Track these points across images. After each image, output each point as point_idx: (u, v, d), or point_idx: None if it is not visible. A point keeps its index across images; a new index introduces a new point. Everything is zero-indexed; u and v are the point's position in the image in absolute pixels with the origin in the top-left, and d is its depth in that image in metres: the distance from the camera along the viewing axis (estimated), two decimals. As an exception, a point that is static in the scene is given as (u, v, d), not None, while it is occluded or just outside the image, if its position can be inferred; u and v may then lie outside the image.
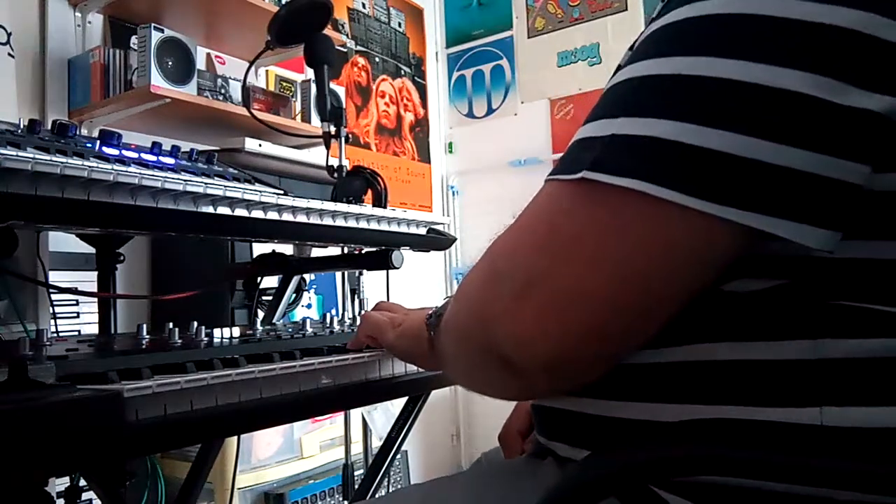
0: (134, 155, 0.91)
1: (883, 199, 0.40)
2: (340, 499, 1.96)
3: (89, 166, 0.66)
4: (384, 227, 0.98)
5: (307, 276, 1.52)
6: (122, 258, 1.06)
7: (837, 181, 0.38)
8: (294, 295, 1.33)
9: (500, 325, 0.45)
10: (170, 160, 0.97)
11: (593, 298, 0.42)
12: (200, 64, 2.02)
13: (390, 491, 1.89)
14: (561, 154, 0.47)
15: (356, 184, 1.14)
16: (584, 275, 0.42)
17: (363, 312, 0.91)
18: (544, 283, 0.43)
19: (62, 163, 0.64)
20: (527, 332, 0.44)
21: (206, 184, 0.75)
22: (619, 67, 0.48)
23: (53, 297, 1.08)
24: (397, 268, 1.07)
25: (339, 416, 1.90)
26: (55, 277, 1.07)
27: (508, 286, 0.45)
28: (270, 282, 1.45)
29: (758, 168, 0.38)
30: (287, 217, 0.84)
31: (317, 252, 1.31)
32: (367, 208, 0.96)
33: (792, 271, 0.42)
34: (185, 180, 0.73)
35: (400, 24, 3.24)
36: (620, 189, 0.41)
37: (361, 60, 2.97)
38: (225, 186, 0.77)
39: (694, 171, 0.39)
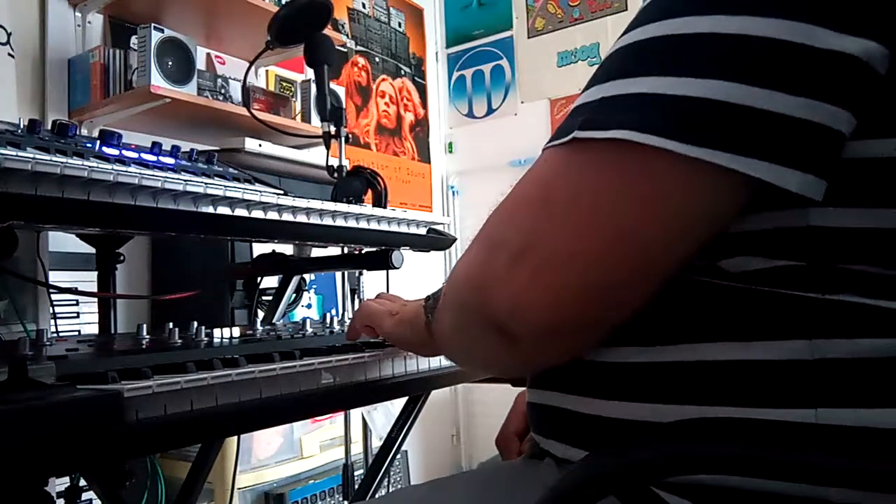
0: (134, 155, 0.91)
1: (877, 166, 0.41)
2: (340, 499, 1.96)
3: (89, 166, 0.66)
4: (384, 227, 0.98)
5: (307, 276, 1.52)
6: (122, 258, 1.06)
7: (817, 125, 0.39)
8: (294, 295, 1.33)
9: (496, 291, 0.45)
10: (170, 160, 0.97)
11: (588, 257, 0.43)
12: (200, 64, 2.02)
13: (390, 491, 1.89)
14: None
15: (356, 184, 1.14)
16: (578, 234, 0.43)
17: (360, 302, 0.91)
18: (539, 246, 0.44)
19: (62, 163, 0.64)
20: (522, 296, 0.44)
21: (206, 184, 0.75)
22: None
23: (53, 297, 1.08)
24: (397, 268, 1.07)
25: (339, 416, 1.90)
26: (55, 277, 1.06)
27: (504, 252, 0.45)
28: (270, 282, 1.45)
29: (739, 112, 0.39)
30: (287, 217, 0.84)
31: (317, 252, 1.31)
32: (367, 208, 0.96)
33: (793, 248, 0.42)
34: (185, 180, 0.73)
35: (400, 24, 3.24)
36: (609, 142, 0.42)
37: (361, 60, 2.97)
38: (225, 186, 0.77)
39: (678, 118, 0.40)
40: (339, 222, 0.91)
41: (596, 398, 0.49)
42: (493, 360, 0.55)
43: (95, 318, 1.09)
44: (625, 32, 0.46)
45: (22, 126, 0.85)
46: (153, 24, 1.67)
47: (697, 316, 0.45)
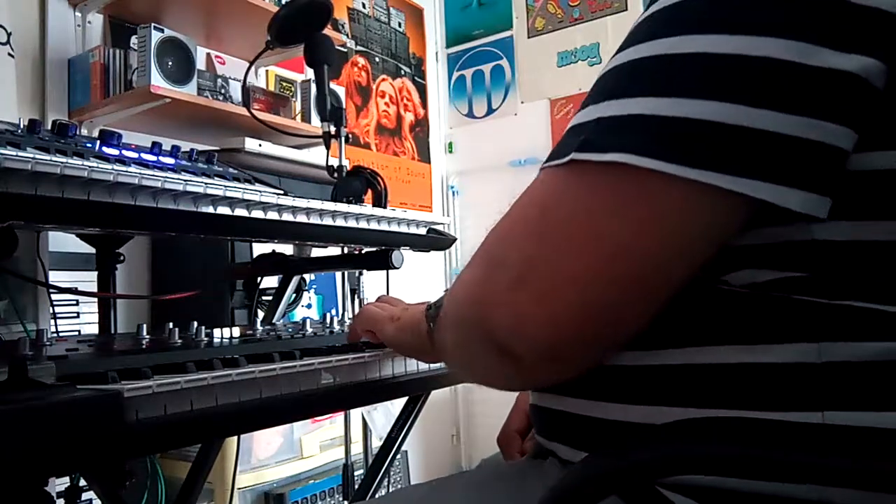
0: (134, 155, 0.91)
1: (881, 178, 0.40)
2: (340, 499, 1.96)
3: (89, 166, 0.66)
4: (384, 227, 0.98)
5: (307, 276, 1.52)
6: (122, 258, 1.06)
7: (817, 143, 0.39)
8: (294, 295, 1.33)
9: (498, 313, 0.45)
10: (170, 160, 0.97)
11: (587, 279, 0.42)
12: (200, 64, 2.02)
13: (390, 491, 1.89)
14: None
15: (356, 184, 1.14)
16: (577, 255, 0.43)
17: (361, 304, 0.91)
18: (538, 268, 0.44)
19: (62, 163, 0.64)
20: (524, 318, 0.44)
21: (206, 184, 0.75)
22: None
23: (53, 297, 1.08)
24: (397, 268, 1.07)
25: (339, 416, 1.90)
26: (55, 277, 1.06)
27: (505, 274, 0.45)
28: (270, 282, 1.45)
29: (735, 133, 0.39)
30: (287, 217, 0.84)
31: (317, 252, 1.31)
32: (367, 208, 0.96)
33: (798, 261, 0.42)
34: (185, 180, 0.73)
35: (400, 24, 3.24)
36: (607, 165, 0.42)
37: (361, 60, 2.97)
38: (225, 186, 0.77)
39: (673, 139, 0.40)
40: (339, 222, 0.91)
41: (599, 401, 0.49)
42: (494, 377, 0.54)
43: (95, 318, 1.09)
44: (619, 50, 0.46)
45: (22, 126, 0.85)
46: (153, 24, 1.67)
47: (703, 319, 0.45)
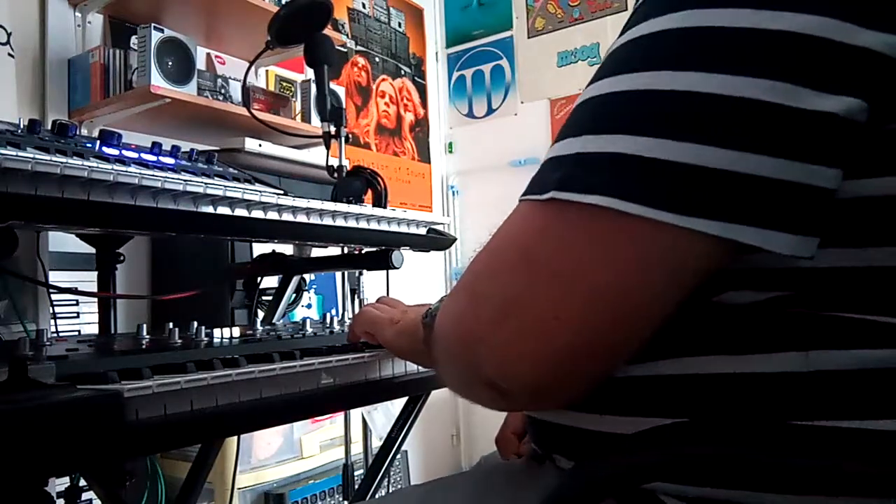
0: (134, 155, 0.91)
1: (867, 205, 0.40)
2: (340, 499, 1.96)
3: (89, 166, 0.66)
4: (384, 227, 0.98)
5: (307, 276, 1.52)
6: (122, 258, 1.06)
7: (803, 185, 0.38)
8: (294, 295, 1.33)
9: (482, 349, 0.44)
10: (170, 160, 0.97)
11: (570, 319, 0.42)
12: (200, 64, 2.02)
13: (390, 491, 1.89)
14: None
15: (356, 184, 1.14)
16: (559, 296, 0.42)
17: (361, 305, 0.91)
18: (521, 307, 0.43)
19: (62, 163, 0.64)
20: (507, 357, 0.43)
21: (206, 184, 0.75)
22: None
23: (53, 297, 1.08)
24: (397, 268, 1.07)
25: (339, 416, 1.90)
26: (55, 277, 1.07)
27: (487, 310, 0.44)
28: (270, 282, 1.45)
29: (720, 177, 0.38)
30: (287, 217, 0.84)
31: (317, 252, 1.31)
32: (367, 208, 0.96)
33: (784, 283, 0.42)
34: (185, 180, 0.73)
35: (400, 24, 3.24)
36: (589, 207, 0.40)
37: (361, 60, 2.97)
38: (225, 186, 0.77)
39: (658, 184, 0.39)
40: (339, 222, 0.91)
41: (592, 413, 0.49)
42: (481, 400, 0.54)
43: (95, 318, 1.09)
44: (597, 78, 0.44)
45: (22, 126, 0.85)
46: (153, 24, 1.67)
47: (692, 331, 0.45)
